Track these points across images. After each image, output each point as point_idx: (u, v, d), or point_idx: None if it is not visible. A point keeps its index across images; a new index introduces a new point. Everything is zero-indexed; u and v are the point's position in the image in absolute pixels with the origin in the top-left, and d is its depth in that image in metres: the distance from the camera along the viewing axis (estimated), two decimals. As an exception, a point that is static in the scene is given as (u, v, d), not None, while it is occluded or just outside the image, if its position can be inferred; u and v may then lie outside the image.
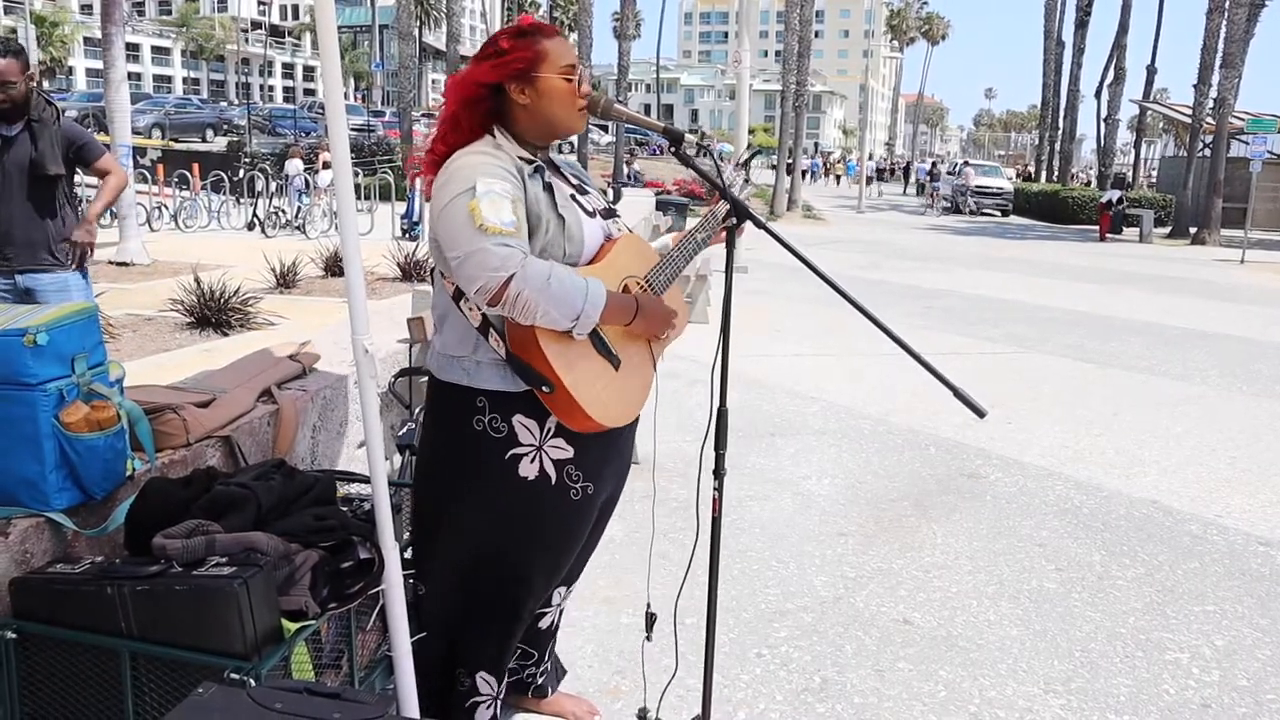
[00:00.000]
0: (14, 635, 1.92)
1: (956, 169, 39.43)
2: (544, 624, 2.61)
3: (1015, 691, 3.21)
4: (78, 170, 4.34)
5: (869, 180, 38.22)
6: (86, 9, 77.33)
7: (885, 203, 40.75)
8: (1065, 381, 8.04)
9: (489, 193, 2.00)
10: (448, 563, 2.31)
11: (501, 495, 2.19)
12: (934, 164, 46.92)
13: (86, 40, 65.30)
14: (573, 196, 2.25)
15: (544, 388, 2.06)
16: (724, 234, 2.41)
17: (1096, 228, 27.10)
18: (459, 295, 2.12)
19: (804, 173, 37.47)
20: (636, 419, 2.42)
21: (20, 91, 3.95)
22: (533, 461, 2.16)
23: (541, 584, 2.36)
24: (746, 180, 2.59)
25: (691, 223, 2.55)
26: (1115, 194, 27.36)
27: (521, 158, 2.16)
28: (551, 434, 2.16)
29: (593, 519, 2.37)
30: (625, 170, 29.26)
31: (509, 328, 2.05)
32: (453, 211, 2.02)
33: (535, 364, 2.04)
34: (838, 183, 57.91)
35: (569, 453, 2.18)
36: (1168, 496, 5.22)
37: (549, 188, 2.16)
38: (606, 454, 2.29)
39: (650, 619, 2.61)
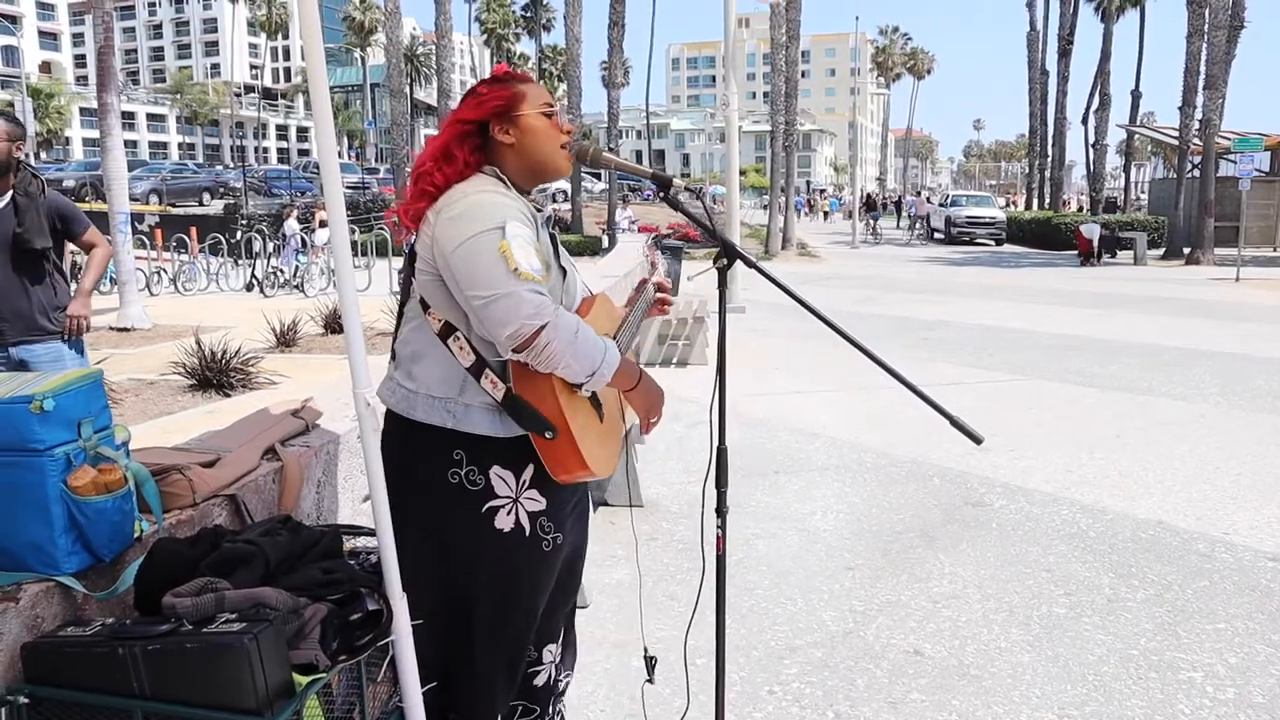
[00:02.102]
0: (26, 700, 1.92)
1: (947, 200, 40.03)
2: (539, 681, 2.53)
3: (1029, 718, 3.20)
4: (67, 240, 4.41)
5: (853, 214, 39.37)
6: (82, 80, 78.30)
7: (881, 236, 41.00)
8: (1066, 406, 8.05)
9: (518, 236, 1.99)
10: (428, 613, 2.27)
11: (477, 547, 2.18)
12: (869, 196, 48.56)
13: (82, 110, 66.10)
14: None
15: (547, 433, 2.05)
16: (656, 308, 2.52)
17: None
18: (447, 333, 2.10)
19: (790, 210, 38.50)
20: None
21: (3, 155, 4.00)
22: (509, 514, 2.15)
23: (520, 634, 2.31)
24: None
25: (688, 266, 2.63)
26: (1096, 228, 26.96)
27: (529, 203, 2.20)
28: (527, 485, 2.15)
29: (558, 569, 2.35)
30: (619, 217, 29.41)
31: (517, 371, 2.04)
32: (478, 249, 1.98)
33: (543, 409, 2.04)
34: (824, 219, 58.37)
35: (542, 504, 2.18)
36: (1173, 516, 5.22)
37: (553, 237, 2.20)
38: (570, 504, 2.30)
39: (650, 662, 2.60)
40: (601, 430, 2.20)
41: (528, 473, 2.15)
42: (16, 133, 4.10)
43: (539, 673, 2.52)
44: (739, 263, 2.33)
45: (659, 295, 2.53)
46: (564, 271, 2.18)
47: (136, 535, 2.26)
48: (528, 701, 2.54)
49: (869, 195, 51.81)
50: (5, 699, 1.93)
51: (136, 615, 2.10)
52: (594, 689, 3.35)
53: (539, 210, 2.22)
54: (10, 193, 4.07)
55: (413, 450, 2.20)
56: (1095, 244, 25.98)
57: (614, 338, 2.32)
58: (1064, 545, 4.80)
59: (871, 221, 40.50)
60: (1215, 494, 5.61)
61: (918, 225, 40.95)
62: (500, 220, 2.01)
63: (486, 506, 2.15)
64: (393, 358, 2.30)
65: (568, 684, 2.67)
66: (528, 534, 2.18)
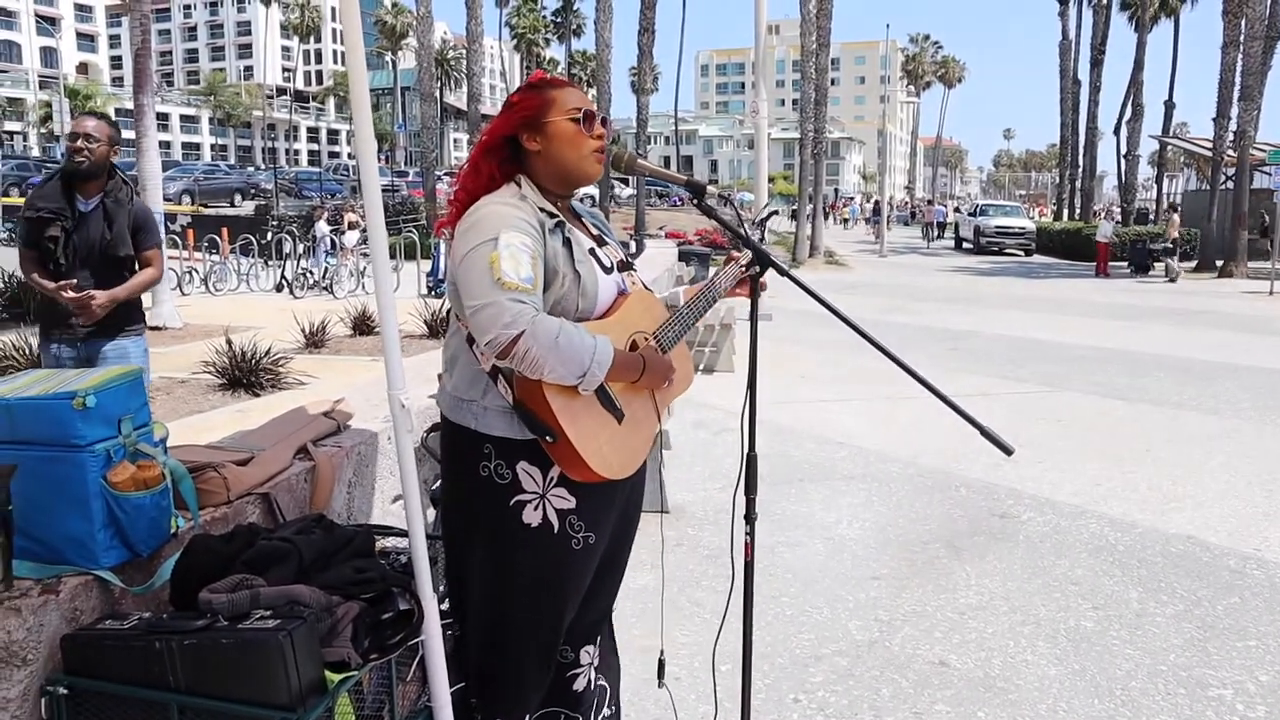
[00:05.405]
0: (65, 691, 1.96)
1: (976, 209, 39.91)
2: (579, 686, 2.51)
3: (1056, 732, 3.19)
4: None
5: (870, 222, 39.79)
6: (118, 81, 79.27)
7: (904, 245, 40.78)
8: (1095, 419, 7.99)
9: (510, 246, 2.03)
10: (462, 607, 2.34)
11: (505, 541, 2.20)
12: (876, 203, 49.69)
13: (118, 111, 66.84)
14: (591, 251, 2.28)
15: (547, 437, 2.08)
16: (742, 286, 2.49)
17: (1124, 264, 26.91)
18: (473, 339, 2.14)
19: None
20: (643, 472, 2.44)
21: (101, 154, 4.05)
22: (536, 509, 2.18)
23: (548, 632, 2.32)
24: (762, 238, 2.64)
25: (713, 272, 2.62)
26: (1109, 226, 27.19)
27: (544, 210, 2.20)
28: (554, 483, 2.17)
29: (593, 569, 2.35)
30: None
31: (517, 377, 2.07)
32: (473, 260, 2.05)
33: (540, 414, 2.07)
34: (845, 226, 58.05)
35: (571, 503, 2.19)
36: (1204, 531, 5.17)
37: (568, 243, 2.20)
38: (610, 506, 2.30)
39: (661, 666, 2.66)
40: (618, 432, 2.19)
41: (554, 470, 2.17)
42: (115, 136, 4.13)
43: (578, 676, 2.51)
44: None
45: (748, 273, 2.44)
46: (578, 276, 2.18)
47: (173, 531, 2.30)
48: (568, 710, 2.52)
49: (876, 201, 52.67)
50: (45, 690, 1.97)
51: (172, 610, 2.14)
52: (620, 693, 3.35)
53: (554, 217, 2.21)
54: (101, 196, 4.12)
55: (451, 446, 2.27)
56: (1107, 243, 25.90)
57: (654, 334, 2.32)
58: (1092, 559, 4.76)
59: (875, 226, 41.83)
60: (1247, 509, 5.55)
61: (930, 231, 43.36)
62: (495, 231, 2.06)
63: (515, 500, 2.17)
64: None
65: (613, 692, 2.66)
66: (556, 531, 2.20)
